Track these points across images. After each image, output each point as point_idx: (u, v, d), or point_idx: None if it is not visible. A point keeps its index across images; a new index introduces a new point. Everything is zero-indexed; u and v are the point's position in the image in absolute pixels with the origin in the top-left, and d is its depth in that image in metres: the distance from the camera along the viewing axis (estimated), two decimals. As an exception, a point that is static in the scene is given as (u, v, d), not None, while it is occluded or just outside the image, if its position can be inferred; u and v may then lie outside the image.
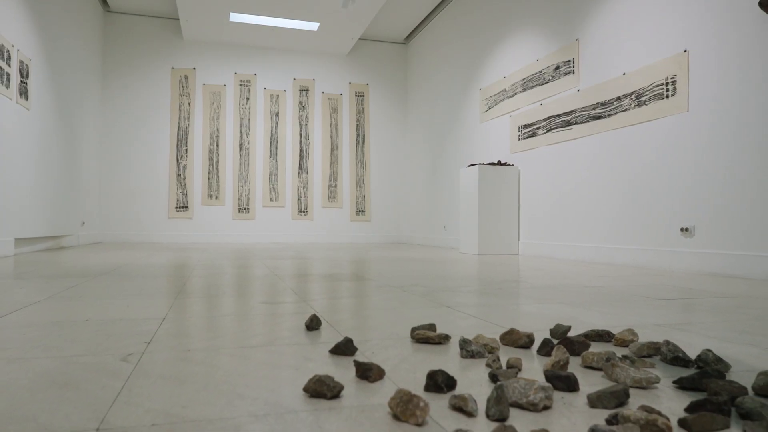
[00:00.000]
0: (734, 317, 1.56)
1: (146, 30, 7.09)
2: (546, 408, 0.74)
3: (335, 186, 7.71)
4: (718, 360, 0.94)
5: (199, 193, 7.20)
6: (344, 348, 1.03)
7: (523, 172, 4.86)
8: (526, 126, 4.80)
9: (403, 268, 3.15)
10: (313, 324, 1.28)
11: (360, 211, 7.79)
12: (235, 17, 6.42)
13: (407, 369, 0.95)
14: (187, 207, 7.15)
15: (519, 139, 4.91)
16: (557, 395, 0.81)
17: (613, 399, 0.75)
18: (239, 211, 7.31)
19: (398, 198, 7.98)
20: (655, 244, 3.39)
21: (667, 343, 1.00)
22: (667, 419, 0.64)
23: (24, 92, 4.24)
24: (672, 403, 0.78)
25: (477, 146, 5.73)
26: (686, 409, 0.71)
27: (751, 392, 0.83)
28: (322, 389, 0.78)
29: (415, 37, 7.65)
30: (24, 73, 4.24)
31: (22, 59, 4.20)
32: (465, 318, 1.48)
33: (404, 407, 0.68)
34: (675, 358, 0.98)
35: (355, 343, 1.14)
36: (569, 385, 0.82)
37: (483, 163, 4.79)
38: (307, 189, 7.59)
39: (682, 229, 3.19)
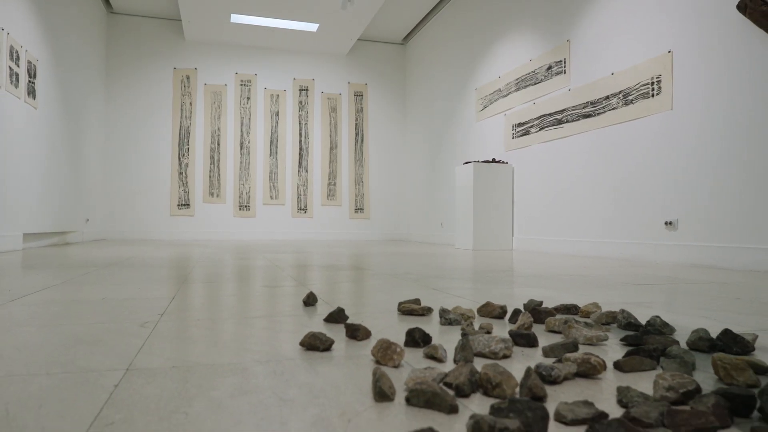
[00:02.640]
0: (698, 298, 1.69)
1: (149, 31, 7.22)
2: (506, 357, 0.87)
3: (334, 184, 7.84)
4: (665, 324, 1.07)
5: (201, 191, 7.33)
6: (337, 316, 1.16)
7: (516, 170, 4.99)
8: (519, 124, 4.93)
9: (399, 261, 3.28)
10: (310, 300, 1.41)
11: (359, 209, 7.92)
12: (236, 18, 6.55)
13: (391, 332, 1.08)
14: (188, 205, 7.28)
15: (513, 138, 5.04)
16: (518, 350, 0.93)
17: (563, 350, 0.88)
18: (240, 209, 7.44)
19: (396, 196, 8.11)
20: (641, 237, 3.52)
21: (623, 311, 1.13)
22: (601, 359, 0.77)
23: (32, 92, 4.37)
24: (616, 355, 0.91)
25: (473, 144, 5.86)
26: (623, 356, 0.84)
27: (685, 346, 0.96)
28: (315, 343, 0.90)
29: (413, 37, 7.78)
30: (32, 73, 4.37)
31: (30, 59, 4.33)
32: (450, 298, 1.61)
33: (384, 353, 0.81)
34: (628, 323, 1.11)
35: (347, 314, 1.27)
36: (529, 341, 0.95)
37: (478, 161, 4.92)
38: (307, 187, 7.72)
39: (666, 223, 3.32)
